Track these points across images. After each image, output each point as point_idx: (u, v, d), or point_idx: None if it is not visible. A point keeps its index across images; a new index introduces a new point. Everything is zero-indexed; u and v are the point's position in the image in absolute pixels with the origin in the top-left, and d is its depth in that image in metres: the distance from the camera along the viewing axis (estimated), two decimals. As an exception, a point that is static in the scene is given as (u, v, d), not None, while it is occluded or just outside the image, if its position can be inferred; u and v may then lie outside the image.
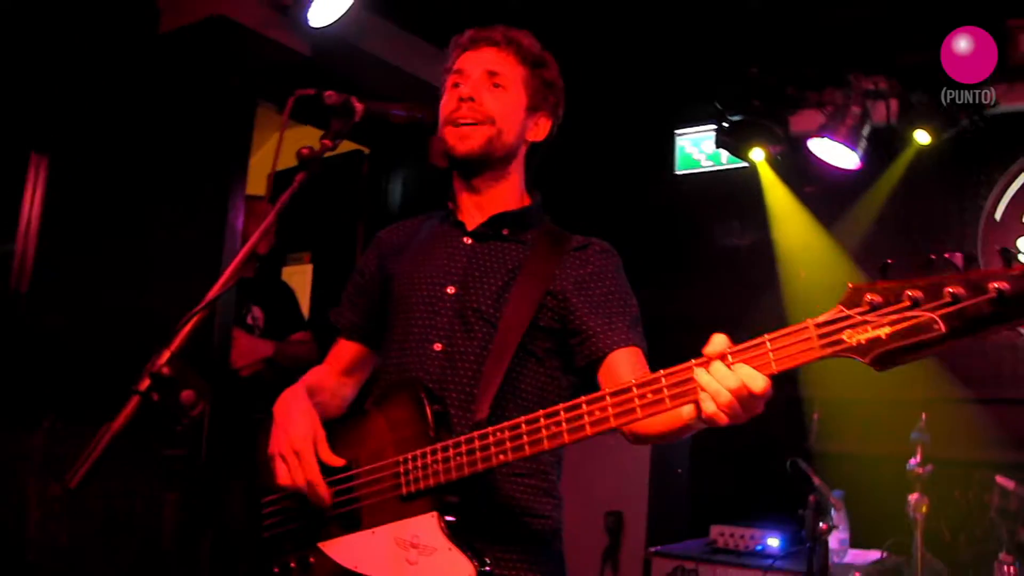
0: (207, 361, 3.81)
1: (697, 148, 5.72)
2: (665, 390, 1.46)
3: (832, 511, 4.02)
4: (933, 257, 1.23)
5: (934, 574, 3.73)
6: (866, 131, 4.88)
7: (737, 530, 4.30)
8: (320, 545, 1.85)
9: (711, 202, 5.54)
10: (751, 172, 5.39)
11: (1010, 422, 4.53)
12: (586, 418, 1.54)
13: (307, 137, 2.29)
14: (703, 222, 5.55)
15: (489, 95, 1.96)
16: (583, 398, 1.56)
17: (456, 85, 1.99)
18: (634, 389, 1.49)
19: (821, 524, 3.84)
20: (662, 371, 1.49)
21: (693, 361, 1.45)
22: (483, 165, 1.98)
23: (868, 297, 1.26)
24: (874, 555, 4.25)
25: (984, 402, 4.57)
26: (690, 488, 4.84)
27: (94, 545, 3.37)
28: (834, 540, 4.10)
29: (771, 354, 1.37)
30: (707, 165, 5.69)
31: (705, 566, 4.21)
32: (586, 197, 5.37)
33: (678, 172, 5.74)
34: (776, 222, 5.33)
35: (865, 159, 4.89)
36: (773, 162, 5.32)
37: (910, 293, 1.21)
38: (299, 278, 5.91)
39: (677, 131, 5.75)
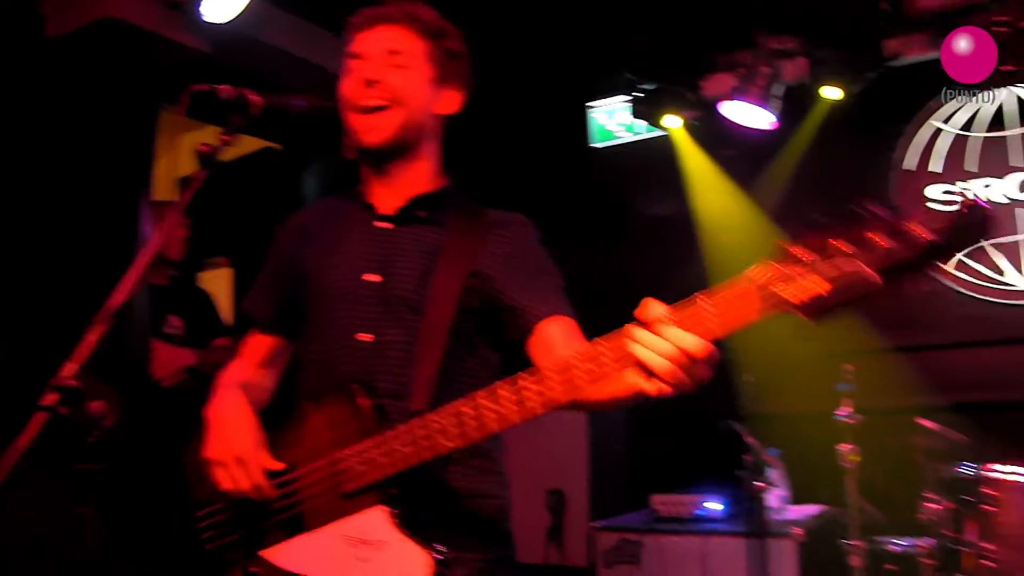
0: (123, 373, 3.79)
1: (612, 120, 5.81)
2: (609, 362, 1.45)
3: (768, 470, 4.17)
4: (859, 209, 1.25)
5: (870, 520, 3.90)
6: (778, 90, 5.03)
7: (677, 498, 4.43)
8: (262, 554, 1.83)
9: (631, 173, 5.63)
10: (669, 140, 5.50)
11: (932, 367, 4.76)
12: (535, 398, 1.53)
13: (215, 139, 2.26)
14: (624, 193, 5.64)
15: (393, 74, 1.92)
16: (527, 375, 1.55)
17: (356, 69, 1.94)
18: (578, 364, 1.48)
19: (758, 483, 3.99)
20: (600, 339, 1.47)
21: (631, 329, 1.42)
22: (396, 152, 1.95)
23: (801, 253, 1.28)
24: (814, 509, 4.42)
25: (906, 350, 4.78)
26: (629, 460, 4.96)
27: (8, 567, 3.32)
28: (774, 498, 4.25)
29: (710, 316, 1.35)
30: (624, 136, 5.78)
31: (649, 536, 4.33)
32: (503, 178, 5.42)
33: (595, 145, 5.82)
34: (696, 188, 5.46)
35: (780, 118, 5.04)
36: (690, 128, 5.44)
37: (843, 247, 1.24)
38: (219, 283, 5.87)
39: (589, 104, 5.83)
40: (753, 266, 1.31)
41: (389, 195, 1.99)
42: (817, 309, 1.26)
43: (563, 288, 1.94)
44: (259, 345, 2.16)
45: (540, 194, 5.65)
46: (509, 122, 5.70)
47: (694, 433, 4.76)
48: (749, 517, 4.06)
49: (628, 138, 5.77)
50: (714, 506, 4.38)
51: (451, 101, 2.02)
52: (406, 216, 1.98)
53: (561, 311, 1.88)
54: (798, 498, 4.49)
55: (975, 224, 1.18)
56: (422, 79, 1.96)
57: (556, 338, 1.83)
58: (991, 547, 3.25)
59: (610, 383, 1.49)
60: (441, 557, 1.68)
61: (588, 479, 4.63)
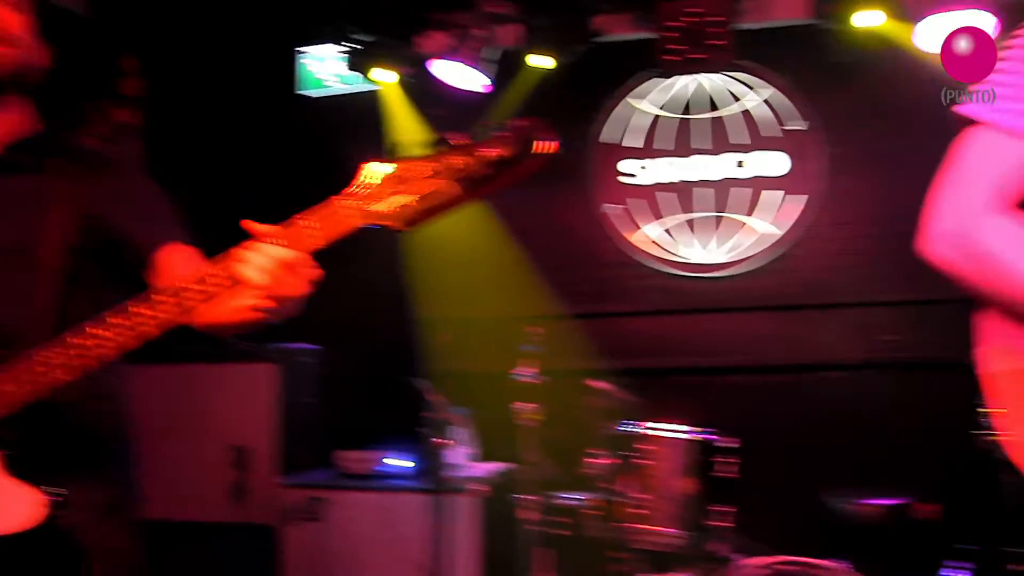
0: None
1: (324, 69, 5.77)
2: (218, 282, 1.58)
3: (454, 427, 4.38)
4: (444, 138, 1.51)
5: (548, 476, 4.19)
6: (491, 54, 5.21)
7: (363, 454, 4.56)
8: None
9: (341, 124, 5.62)
10: (381, 94, 5.55)
11: (615, 333, 5.23)
12: (149, 322, 1.61)
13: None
14: (332, 146, 5.61)
15: (4, 11, 1.90)
16: (139, 302, 1.62)
17: None
18: (189, 286, 1.60)
19: (441, 441, 4.19)
20: (210, 262, 1.61)
21: (235, 250, 1.58)
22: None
23: (390, 171, 1.52)
24: (498, 466, 4.68)
25: (594, 316, 5.20)
26: (319, 416, 4.99)
27: None
28: (459, 455, 4.47)
29: (311, 232, 1.54)
30: (336, 86, 5.77)
31: (334, 493, 4.42)
32: (206, 122, 5.29)
33: (305, 93, 5.77)
34: (404, 145, 5.54)
35: (493, 82, 5.23)
36: (403, 84, 5.50)
37: (430, 165, 1.49)
38: None
39: (300, 50, 5.76)
40: (348, 185, 1.54)
41: None
42: (406, 219, 1.51)
43: (179, 217, 2.02)
44: None
45: (246, 139, 5.55)
46: (216, 63, 5.54)
47: (385, 390, 4.89)
48: (432, 474, 4.25)
49: (341, 89, 5.76)
50: (400, 463, 4.53)
51: (44, 55, 2.02)
52: (8, 163, 1.96)
53: (177, 239, 1.95)
54: (486, 455, 4.74)
55: (528, 145, 1.46)
56: (29, 25, 1.95)
57: (176, 266, 1.91)
58: (644, 497, 3.62)
59: (222, 303, 1.63)
60: (57, 499, 1.69)
61: (275, 435, 4.63)
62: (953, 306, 1.90)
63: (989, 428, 1.88)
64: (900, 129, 4.97)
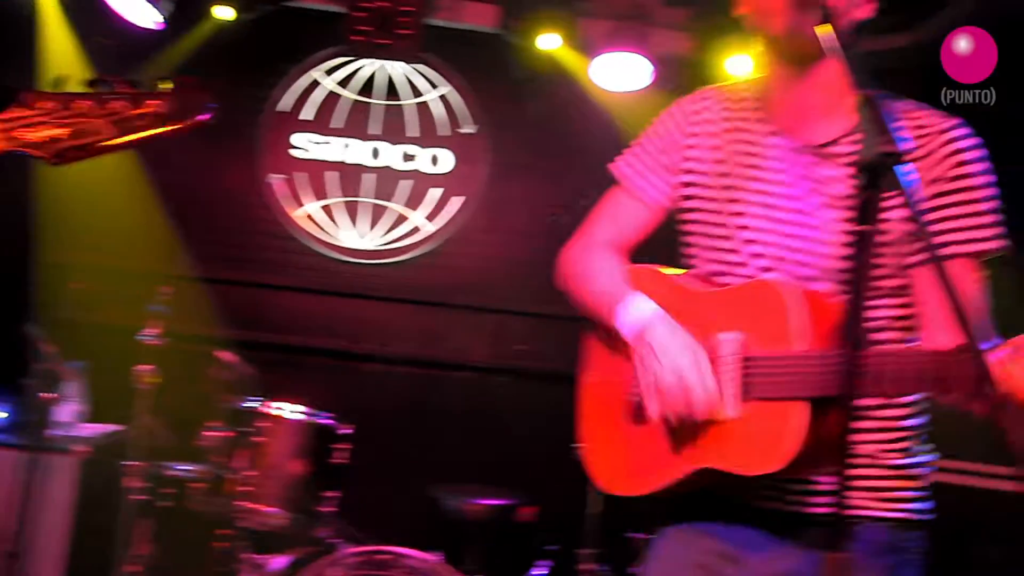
0: None
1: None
2: None
3: (64, 382, 4.14)
4: (111, 80, 1.51)
5: (159, 444, 4.07)
6: (172, -8, 4.97)
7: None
8: None
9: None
10: (39, 7, 5.12)
11: (256, 304, 5.23)
12: None
13: None
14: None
15: None
16: None
17: None
18: None
19: (46, 394, 3.95)
20: None
21: None
22: None
23: (42, 103, 1.52)
24: (108, 427, 4.47)
25: (234, 284, 5.16)
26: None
27: None
28: (65, 412, 4.23)
29: None
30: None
31: (-93, 441, 4.02)
32: None
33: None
34: (52, 68, 5.15)
35: (168, 22, 4.98)
36: (65, 4, 5.11)
37: (83, 104, 1.51)
38: None
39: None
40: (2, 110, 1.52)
41: None
42: (55, 152, 1.52)
43: None
44: None
45: None
46: None
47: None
48: (30, 429, 3.99)
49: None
50: (-5, 414, 4.21)
51: None
52: None
53: None
54: (95, 415, 4.50)
55: (189, 105, 1.52)
56: None
57: None
58: (253, 474, 3.62)
59: None
60: None
61: None
62: (577, 324, 2.13)
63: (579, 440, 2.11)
64: (562, 151, 5.35)
